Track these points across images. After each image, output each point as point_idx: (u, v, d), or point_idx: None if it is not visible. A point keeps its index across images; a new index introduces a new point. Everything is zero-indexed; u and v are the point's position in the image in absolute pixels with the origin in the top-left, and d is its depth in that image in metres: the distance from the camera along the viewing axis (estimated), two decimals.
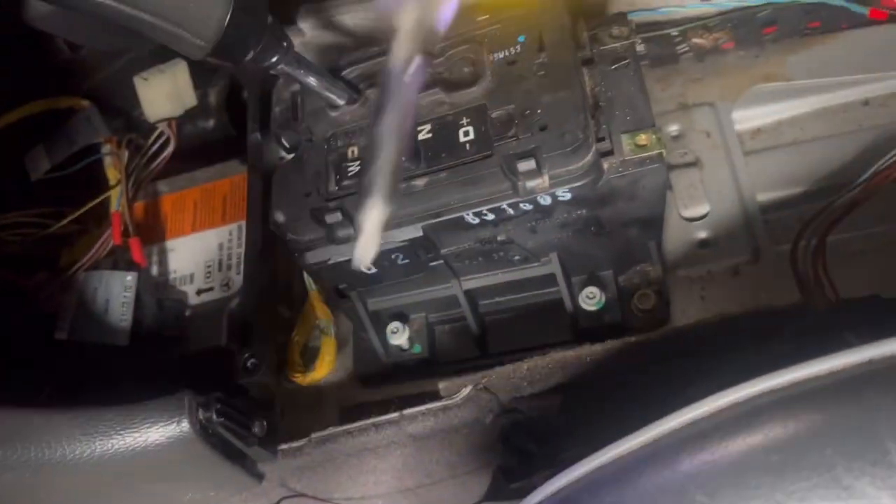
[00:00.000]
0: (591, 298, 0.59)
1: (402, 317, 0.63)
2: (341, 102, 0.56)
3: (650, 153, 0.52)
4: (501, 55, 0.54)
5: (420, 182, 0.53)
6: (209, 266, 0.66)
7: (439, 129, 0.54)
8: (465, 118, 0.53)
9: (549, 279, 0.59)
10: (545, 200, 0.53)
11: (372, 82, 0.57)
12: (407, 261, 0.57)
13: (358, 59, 0.59)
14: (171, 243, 0.69)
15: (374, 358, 0.63)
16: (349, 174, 0.54)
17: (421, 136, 0.54)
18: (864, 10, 0.69)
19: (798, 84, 0.68)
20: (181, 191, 0.71)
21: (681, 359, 0.53)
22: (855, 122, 0.66)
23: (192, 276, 0.66)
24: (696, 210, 0.64)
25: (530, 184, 0.51)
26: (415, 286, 0.60)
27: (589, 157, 0.51)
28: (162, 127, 0.69)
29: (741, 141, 0.67)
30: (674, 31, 0.70)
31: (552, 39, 0.54)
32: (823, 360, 0.35)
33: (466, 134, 0.53)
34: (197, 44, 0.46)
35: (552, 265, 0.58)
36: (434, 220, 0.53)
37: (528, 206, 0.53)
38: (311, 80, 0.54)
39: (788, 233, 0.61)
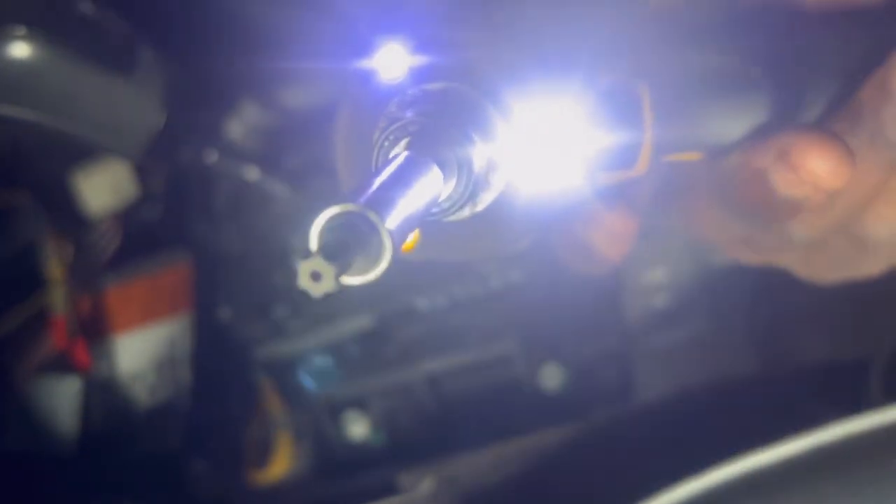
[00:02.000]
0: (551, 379, 0.58)
1: (360, 404, 0.61)
2: (284, 193, 0.55)
3: None
4: None
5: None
6: (159, 362, 0.64)
7: None
8: None
9: (509, 359, 0.58)
10: (496, 283, 0.52)
11: (314, 168, 0.56)
12: (360, 350, 0.55)
13: (300, 144, 0.58)
14: (118, 340, 0.66)
15: (333, 449, 0.61)
16: (294, 266, 0.53)
17: None
18: None
19: None
20: (127, 282, 0.69)
21: (642, 442, 0.52)
22: None
23: (142, 375, 0.64)
24: (652, 277, 0.64)
25: (480, 266, 0.50)
26: (372, 374, 0.59)
27: None
28: (105, 221, 0.68)
29: None
30: None
31: None
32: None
33: None
34: (126, 151, 0.45)
35: (510, 345, 0.57)
36: (385, 308, 0.52)
37: (480, 289, 0.52)
38: (251, 175, 0.53)
39: (747, 295, 0.61)
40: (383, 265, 0.20)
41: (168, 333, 0.65)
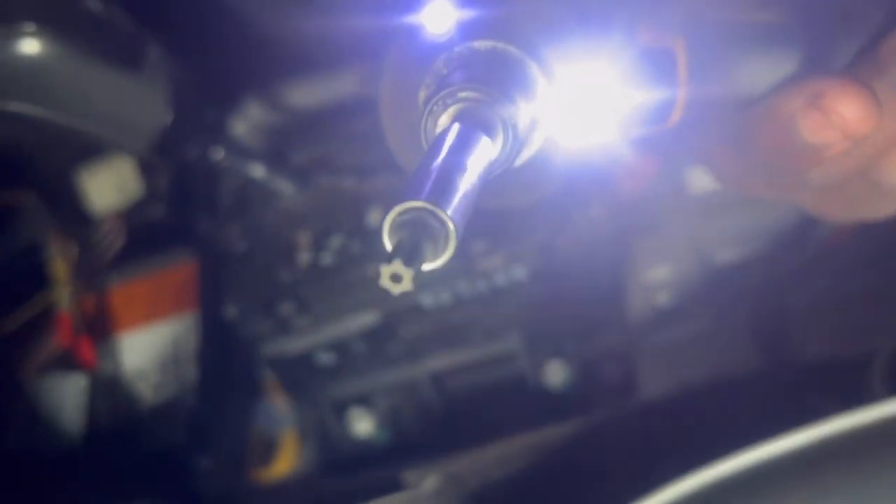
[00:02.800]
0: (555, 375, 0.58)
1: (365, 401, 0.61)
2: (290, 190, 0.55)
3: None
4: None
5: (372, 268, 0.52)
6: (164, 360, 0.64)
7: None
8: None
9: (513, 356, 0.58)
10: (501, 280, 0.52)
11: (320, 166, 0.56)
12: (365, 347, 0.55)
13: (305, 142, 0.58)
14: (123, 338, 0.66)
15: (338, 446, 0.61)
16: (300, 262, 0.53)
17: (371, 222, 0.53)
18: None
19: None
20: (132, 282, 0.69)
21: (646, 438, 0.52)
22: None
23: (146, 372, 0.64)
24: (655, 275, 0.64)
25: (485, 263, 0.51)
26: (376, 371, 0.59)
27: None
28: (110, 220, 0.68)
29: (697, 202, 0.67)
30: None
31: None
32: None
33: None
34: (132, 147, 0.45)
35: (514, 343, 0.57)
36: (390, 305, 0.53)
37: (484, 287, 0.52)
38: (257, 172, 0.53)
39: (750, 293, 0.62)
40: (449, 253, 0.22)
41: (172, 332, 0.65)
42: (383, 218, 0.21)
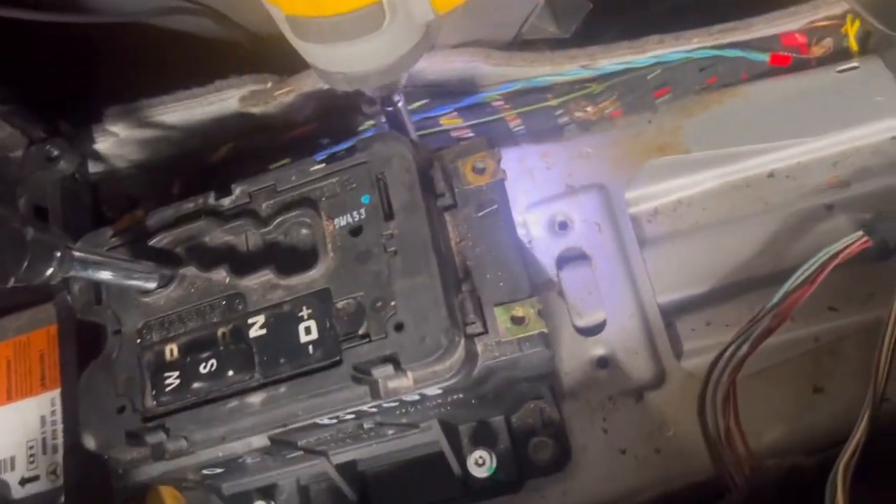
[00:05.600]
0: (480, 465, 0.51)
1: (267, 492, 0.54)
2: (152, 286, 0.45)
3: (530, 332, 0.44)
4: (343, 221, 0.44)
5: (255, 399, 0.43)
6: (32, 447, 0.55)
7: (275, 323, 0.43)
8: (305, 308, 0.43)
9: (434, 441, 0.51)
10: (412, 397, 0.44)
11: (188, 248, 0.46)
12: (258, 459, 0.48)
13: (168, 219, 0.47)
14: None
15: None
16: (168, 387, 0.44)
17: (252, 333, 0.44)
18: (765, 57, 0.61)
19: (696, 156, 0.59)
20: None
21: None
22: (760, 200, 0.59)
23: (12, 461, 0.55)
24: (590, 318, 0.56)
25: (392, 385, 0.42)
26: (277, 467, 0.51)
27: (457, 356, 0.42)
28: None
29: (637, 225, 0.59)
30: (554, 103, 0.60)
31: (402, 200, 0.43)
32: None
33: (308, 331, 0.43)
34: None
35: (434, 432, 0.49)
36: (280, 430, 0.44)
37: (394, 404, 0.44)
38: (107, 275, 0.43)
39: (693, 341, 0.55)
40: None
41: (40, 409, 0.56)
42: None
